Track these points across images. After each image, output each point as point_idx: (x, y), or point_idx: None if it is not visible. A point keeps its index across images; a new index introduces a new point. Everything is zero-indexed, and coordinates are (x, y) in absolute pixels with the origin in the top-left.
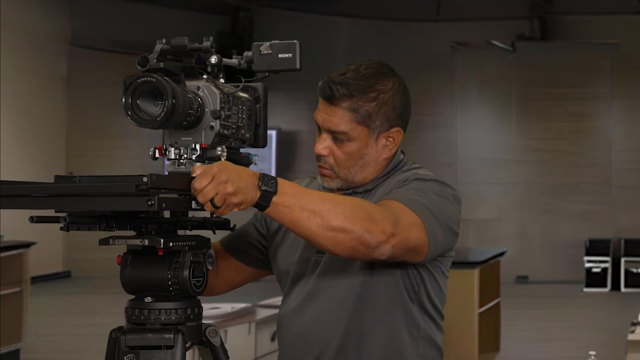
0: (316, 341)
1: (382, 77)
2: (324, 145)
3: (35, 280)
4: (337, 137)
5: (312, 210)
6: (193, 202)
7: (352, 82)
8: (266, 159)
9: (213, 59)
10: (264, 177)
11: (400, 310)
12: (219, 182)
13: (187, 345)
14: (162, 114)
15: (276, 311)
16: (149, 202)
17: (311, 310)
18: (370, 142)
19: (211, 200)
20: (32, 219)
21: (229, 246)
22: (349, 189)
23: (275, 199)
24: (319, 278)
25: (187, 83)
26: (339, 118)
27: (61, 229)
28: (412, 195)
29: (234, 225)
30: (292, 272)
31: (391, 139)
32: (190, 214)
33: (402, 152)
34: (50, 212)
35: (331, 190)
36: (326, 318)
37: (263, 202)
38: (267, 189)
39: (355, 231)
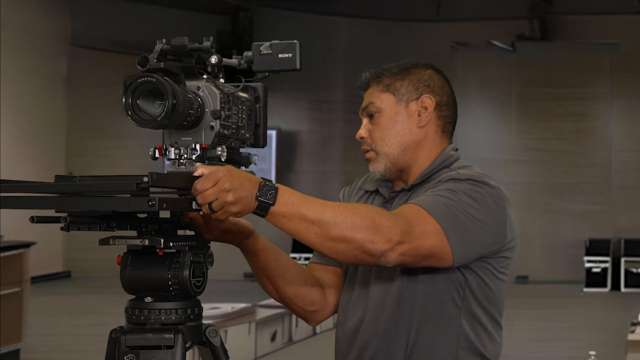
0: (357, 341)
1: (412, 62)
2: (362, 129)
3: (35, 280)
4: (370, 114)
5: (311, 220)
6: (193, 203)
7: (383, 67)
8: (266, 159)
9: (213, 59)
10: (263, 188)
11: (436, 315)
12: (220, 189)
13: (187, 345)
14: (163, 114)
15: (276, 311)
16: (150, 203)
17: (359, 310)
18: (400, 109)
19: (209, 204)
20: (33, 219)
21: (324, 257)
22: (397, 171)
23: (273, 209)
24: (373, 278)
25: (187, 83)
26: (369, 95)
27: (61, 229)
28: (438, 199)
29: None
30: (351, 266)
31: (423, 108)
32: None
33: (456, 149)
34: (51, 212)
35: (381, 178)
36: (368, 320)
37: (260, 212)
38: (265, 200)
39: (357, 241)
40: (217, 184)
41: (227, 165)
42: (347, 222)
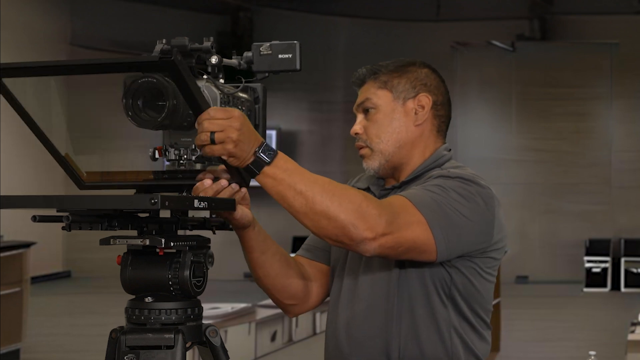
0: (350, 338)
1: (408, 60)
2: (357, 125)
3: (35, 280)
4: (366, 109)
5: (299, 190)
6: (195, 202)
7: (380, 64)
8: None
9: (213, 59)
10: (264, 146)
11: (425, 310)
12: (230, 124)
13: (187, 345)
14: (163, 115)
15: (276, 311)
16: (152, 201)
17: (349, 307)
18: (397, 106)
19: (212, 133)
20: (35, 218)
21: (311, 252)
22: (391, 168)
23: (266, 169)
24: (362, 274)
25: None
26: (364, 91)
27: (63, 228)
28: (426, 193)
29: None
30: (339, 263)
31: (420, 106)
32: (191, 214)
33: (449, 149)
34: (52, 212)
35: (374, 174)
36: (360, 316)
37: (253, 168)
38: (262, 157)
39: (340, 221)
40: (229, 119)
41: (242, 113)
42: (334, 199)
